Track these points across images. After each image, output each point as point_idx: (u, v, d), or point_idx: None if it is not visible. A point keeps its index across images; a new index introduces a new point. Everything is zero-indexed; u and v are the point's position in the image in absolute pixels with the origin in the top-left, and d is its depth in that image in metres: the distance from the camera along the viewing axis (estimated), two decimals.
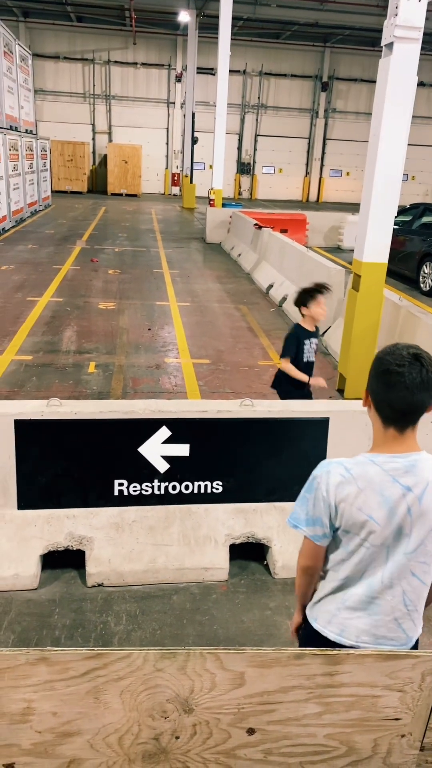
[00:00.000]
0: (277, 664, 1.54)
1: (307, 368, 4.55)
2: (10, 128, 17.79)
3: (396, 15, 5.33)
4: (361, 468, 1.80)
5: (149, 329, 8.64)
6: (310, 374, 4.55)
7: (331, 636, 1.91)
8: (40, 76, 30.11)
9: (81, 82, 32.17)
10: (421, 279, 12.40)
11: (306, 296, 4.43)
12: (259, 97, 33.80)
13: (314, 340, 4.54)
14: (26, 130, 20.47)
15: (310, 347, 4.52)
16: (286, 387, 4.56)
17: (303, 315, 4.50)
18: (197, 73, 25.48)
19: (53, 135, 29.53)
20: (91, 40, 31.13)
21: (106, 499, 3.69)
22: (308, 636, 1.99)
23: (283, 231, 14.19)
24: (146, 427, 3.62)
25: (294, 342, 4.48)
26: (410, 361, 1.72)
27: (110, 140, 32.80)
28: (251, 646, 3.26)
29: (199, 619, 3.41)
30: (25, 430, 3.45)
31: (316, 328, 4.58)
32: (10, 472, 3.51)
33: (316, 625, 1.96)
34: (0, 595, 3.45)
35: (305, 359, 4.52)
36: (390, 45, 5.48)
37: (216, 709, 1.55)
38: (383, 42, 5.59)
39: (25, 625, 3.27)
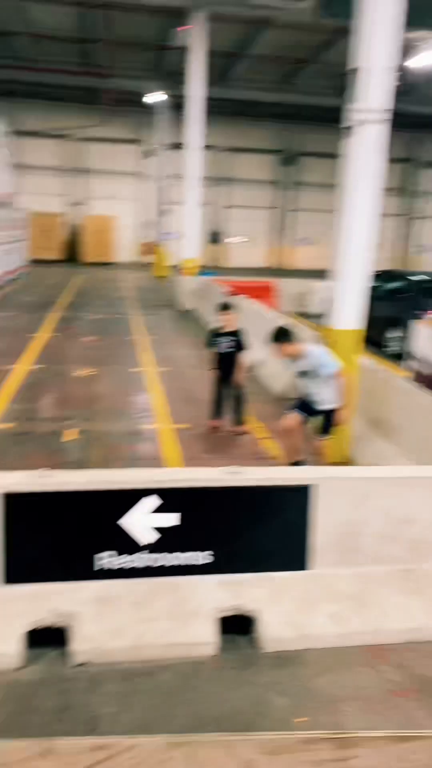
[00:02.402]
0: (286, 751, 1.52)
1: (222, 357, 7.07)
2: None
3: (358, 101, 5.74)
4: None
5: (127, 395, 8.67)
6: (225, 362, 7.04)
7: None
8: (19, 151, 31.13)
9: (59, 156, 33.41)
10: (385, 344, 12.95)
11: (218, 310, 7.41)
12: (227, 171, 35.39)
13: (227, 338, 7.04)
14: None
15: (220, 343, 7.05)
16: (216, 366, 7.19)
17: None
18: (168, 148, 26.66)
19: (31, 206, 30.26)
20: (68, 118, 32.51)
21: (91, 573, 3.63)
22: None
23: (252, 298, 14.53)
24: (134, 497, 3.60)
25: (208, 337, 7.37)
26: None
27: (85, 211, 33.75)
28: (242, 725, 3.16)
29: (189, 698, 3.30)
30: (14, 501, 3.41)
31: (236, 332, 7.08)
32: None
33: None
34: None
35: (217, 350, 7.09)
36: (350, 128, 5.86)
37: None
38: (345, 125, 5.96)
39: (12, 708, 3.12)
